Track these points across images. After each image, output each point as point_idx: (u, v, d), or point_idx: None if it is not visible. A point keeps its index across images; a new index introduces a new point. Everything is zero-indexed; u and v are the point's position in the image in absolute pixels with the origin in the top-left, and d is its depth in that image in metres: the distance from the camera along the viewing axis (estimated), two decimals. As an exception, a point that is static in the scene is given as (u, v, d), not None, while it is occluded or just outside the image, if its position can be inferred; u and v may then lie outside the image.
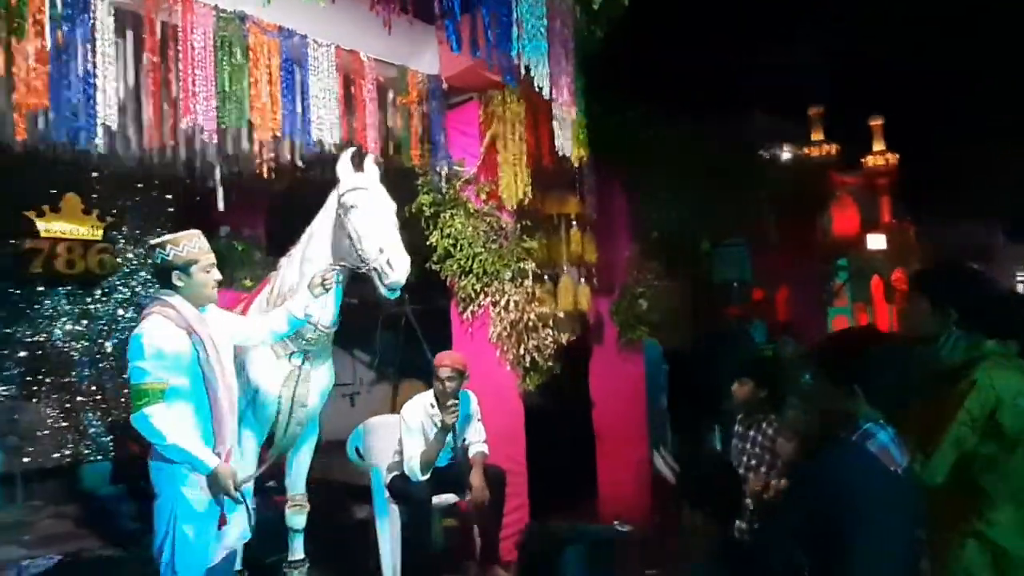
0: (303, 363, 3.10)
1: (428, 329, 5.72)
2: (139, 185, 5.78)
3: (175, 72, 2.97)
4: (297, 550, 3.40)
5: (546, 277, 4.97)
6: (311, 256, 3.09)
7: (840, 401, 1.66)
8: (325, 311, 3.03)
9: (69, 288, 5.53)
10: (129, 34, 2.88)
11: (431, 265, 4.30)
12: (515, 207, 4.16)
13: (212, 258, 2.64)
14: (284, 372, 3.11)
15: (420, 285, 4.47)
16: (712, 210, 6.33)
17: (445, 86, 4.08)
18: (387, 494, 3.57)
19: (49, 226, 5.26)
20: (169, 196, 5.97)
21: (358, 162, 3.31)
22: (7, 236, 5.12)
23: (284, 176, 4.71)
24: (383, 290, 2.87)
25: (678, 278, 6.25)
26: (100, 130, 2.70)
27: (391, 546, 3.50)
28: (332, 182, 3.63)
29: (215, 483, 2.46)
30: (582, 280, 4.99)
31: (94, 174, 5.30)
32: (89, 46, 2.67)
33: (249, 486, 2.81)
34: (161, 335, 2.49)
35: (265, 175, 3.68)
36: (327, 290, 2.89)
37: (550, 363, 4.36)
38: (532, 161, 4.02)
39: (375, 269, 2.85)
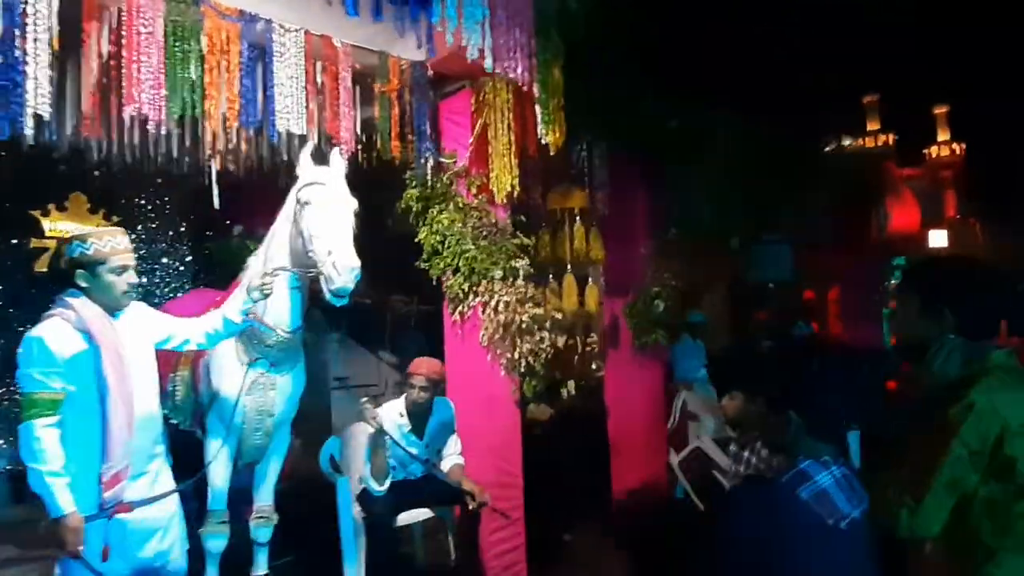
0: (267, 370, 2.91)
1: (430, 330, 5.51)
2: (147, 183, 5.77)
3: (119, 59, 2.81)
4: (261, 565, 3.22)
5: (551, 276, 4.70)
6: (272, 255, 2.93)
7: (780, 432, 1.32)
8: (282, 315, 2.85)
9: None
10: (69, 18, 2.72)
11: (420, 263, 4.08)
12: (504, 200, 3.87)
13: (126, 259, 2.45)
14: (248, 380, 2.93)
15: (428, 284, 4.26)
16: (744, 204, 5.91)
17: (431, 73, 3.83)
18: (357, 507, 3.35)
19: (55, 225, 5.28)
20: (179, 194, 5.96)
21: (322, 156, 3.12)
22: (13, 235, 5.16)
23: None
24: (328, 295, 2.65)
25: (702, 277, 5.85)
26: (30, 120, 2.55)
27: (356, 564, 3.28)
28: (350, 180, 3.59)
29: (55, 531, 2.22)
30: (590, 280, 4.67)
31: (96, 172, 5.27)
32: (18, 31, 2.53)
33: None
34: (55, 340, 2.32)
35: (218, 167, 3.50)
36: (265, 296, 2.69)
37: (547, 368, 4.07)
38: (519, 151, 3.72)
39: (322, 272, 2.64)
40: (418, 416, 3.31)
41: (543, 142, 3.48)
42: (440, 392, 3.33)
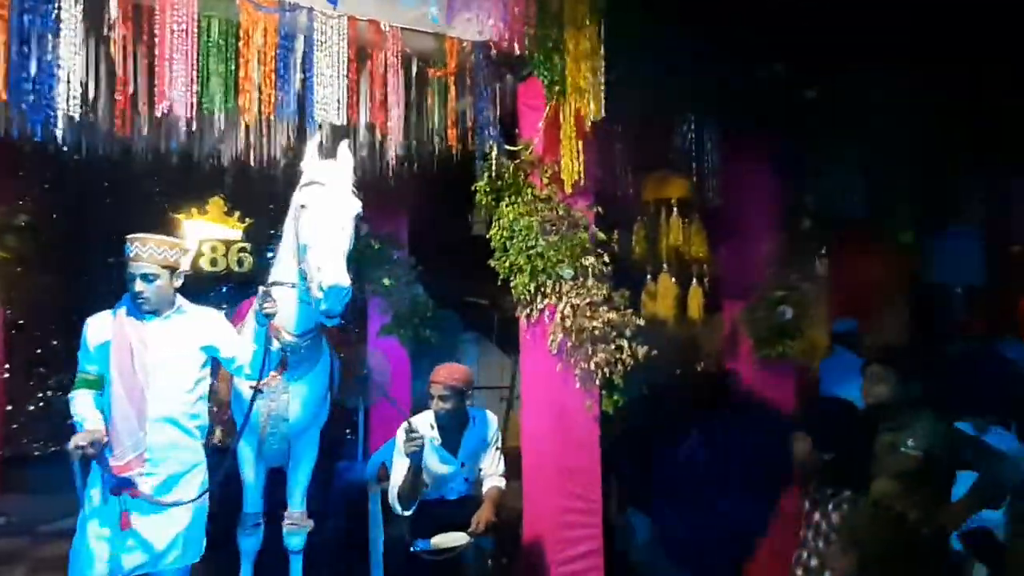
0: (280, 374, 2.79)
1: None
2: (280, 185, 6.06)
3: (151, 57, 2.84)
4: (296, 572, 3.12)
5: (648, 277, 4.16)
6: (280, 263, 2.81)
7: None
8: (288, 319, 2.70)
9: (227, 285, 5.99)
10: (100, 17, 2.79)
11: (492, 262, 3.76)
12: (572, 190, 3.43)
13: (144, 268, 2.52)
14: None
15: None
16: (916, 186, 4.83)
17: (494, 53, 3.49)
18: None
19: (196, 227, 5.72)
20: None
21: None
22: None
23: (423, 172, 4.54)
24: (320, 314, 2.44)
25: (857, 279, 4.88)
26: (61, 122, 2.64)
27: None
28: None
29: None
30: (694, 281, 4.05)
31: (228, 179, 5.62)
32: (51, 35, 2.62)
33: (200, 504, 2.58)
34: (92, 329, 2.56)
35: (253, 163, 3.44)
36: (270, 318, 2.55)
37: (626, 382, 3.55)
38: (581, 133, 3.25)
39: (309, 289, 2.45)
40: (450, 430, 3.00)
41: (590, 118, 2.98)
42: (470, 401, 3.00)
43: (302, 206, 2.60)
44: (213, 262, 5.75)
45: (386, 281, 6.28)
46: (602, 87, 3.03)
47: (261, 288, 2.60)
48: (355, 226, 2.63)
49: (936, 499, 2.30)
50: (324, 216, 2.53)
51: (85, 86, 2.71)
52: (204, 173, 5.19)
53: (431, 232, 6.37)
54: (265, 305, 2.50)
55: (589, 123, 3.10)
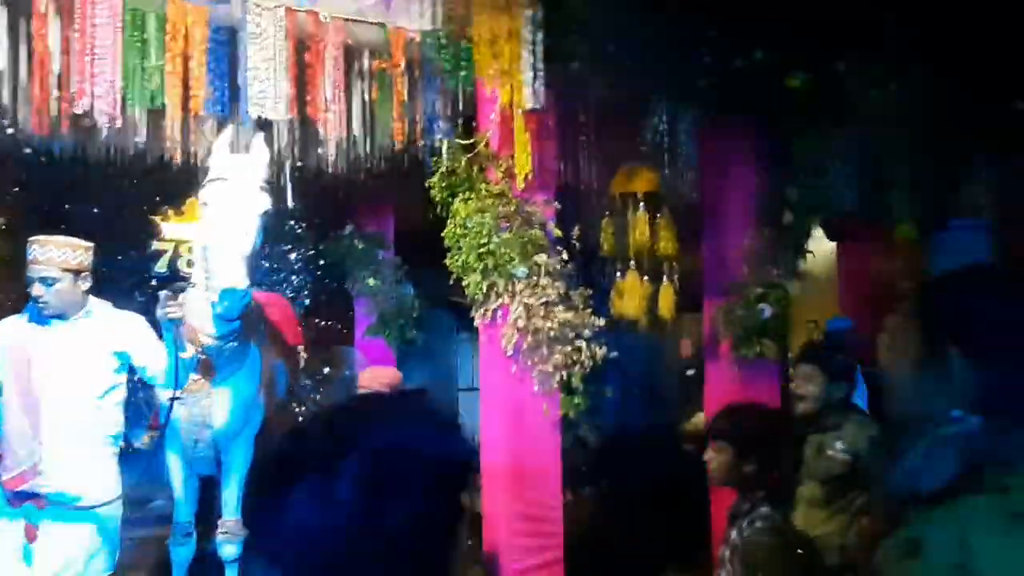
0: (204, 379, 2.69)
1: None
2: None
3: (70, 53, 2.74)
4: (230, 583, 3.02)
5: (617, 275, 3.98)
6: (196, 259, 2.70)
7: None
8: (203, 320, 2.59)
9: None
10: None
11: (446, 260, 3.62)
12: (523, 184, 3.28)
13: (44, 272, 2.43)
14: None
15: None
16: (915, 177, 4.57)
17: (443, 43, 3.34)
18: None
19: (173, 229, 5.66)
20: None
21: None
22: (137, 238, 5.62)
23: (410, 171, 4.44)
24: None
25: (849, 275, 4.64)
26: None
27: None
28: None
29: None
30: (664, 279, 3.87)
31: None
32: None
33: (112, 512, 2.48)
34: None
35: (177, 160, 3.33)
36: (174, 323, 2.43)
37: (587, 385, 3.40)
38: (530, 126, 3.09)
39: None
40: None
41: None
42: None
43: (204, 204, 2.48)
44: (190, 263, 5.68)
45: (371, 281, 6.18)
46: (539, 73, 2.86)
47: (162, 293, 2.49)
48: (263, 224, 2.50)
49: (864, 506, 2.12)
50: (224, 215, 2.42)
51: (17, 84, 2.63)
52: (180, 173, 5.15)
53: (417, 230, 6.27)
54: (167, 309, 2.39)
55: (520, 113, 2.94)
